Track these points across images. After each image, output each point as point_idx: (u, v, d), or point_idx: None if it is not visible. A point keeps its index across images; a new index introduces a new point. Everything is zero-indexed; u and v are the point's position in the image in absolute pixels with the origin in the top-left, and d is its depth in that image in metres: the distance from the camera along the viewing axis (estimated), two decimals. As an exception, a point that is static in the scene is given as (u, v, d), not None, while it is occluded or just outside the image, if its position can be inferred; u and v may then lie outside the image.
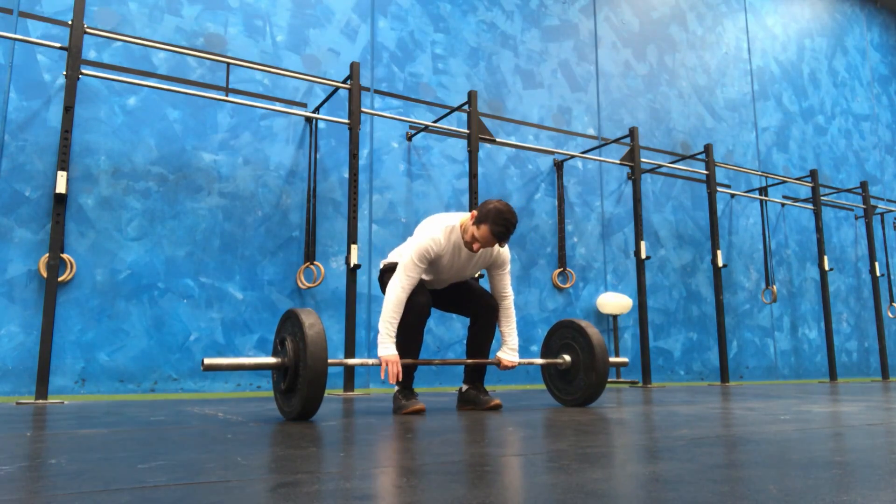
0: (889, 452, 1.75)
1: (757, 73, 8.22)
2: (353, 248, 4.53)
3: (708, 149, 6.67)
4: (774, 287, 7.50)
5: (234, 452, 1.69)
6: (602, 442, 1.99)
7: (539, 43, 6.53)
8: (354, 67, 4.72)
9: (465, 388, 3.23)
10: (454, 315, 5.42)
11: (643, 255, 5.94)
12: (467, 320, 3.33)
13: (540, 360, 3.48)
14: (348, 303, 4.50)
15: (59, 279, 4.02)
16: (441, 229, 2.98)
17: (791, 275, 7.91)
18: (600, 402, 3.61)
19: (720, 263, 6.46)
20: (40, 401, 3.48)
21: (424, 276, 3.08)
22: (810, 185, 7.67)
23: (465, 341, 5.41)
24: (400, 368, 2.84)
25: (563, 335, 3.45)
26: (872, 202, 8.36)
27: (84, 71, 3.97)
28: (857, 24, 9.61)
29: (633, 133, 6.19)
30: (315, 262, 4.88)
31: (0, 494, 1.17)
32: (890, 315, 8.50)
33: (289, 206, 4.95)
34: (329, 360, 2.61)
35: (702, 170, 6.80)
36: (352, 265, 4.51)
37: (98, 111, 4.38)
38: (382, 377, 2.83)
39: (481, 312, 3.18)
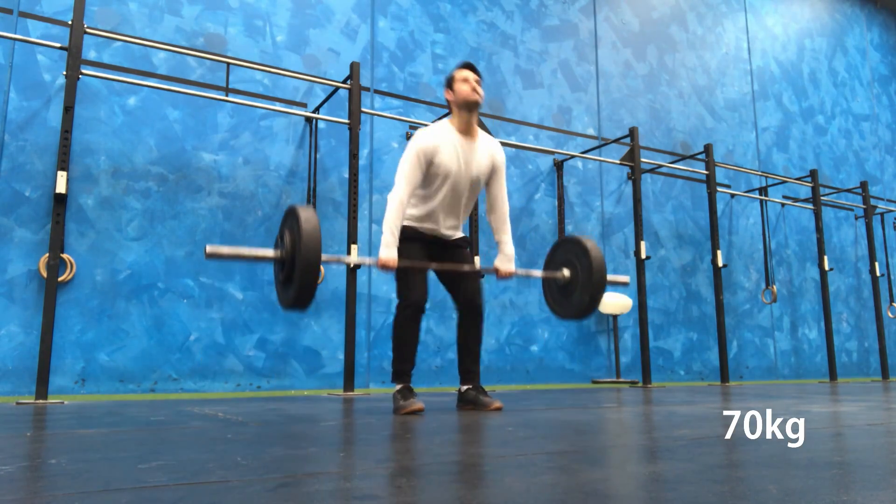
0: (889, 452, 1.75)
1: (757, 73, 8.22)
2: (353, 248, 4.53)
3: (708, 149, 6.67)
4: (774, 287, 7.50)
5: (234, 452, 1.69)
6: (602, 442, 2.00)
7: (539, 43, 6.53)
8: (354, 67, 4.72)
9: (464, 388, 3.23)
10: (454, 315, 5.42)
11: (643, 255, 5.94)
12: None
13: (539, 273, 3.49)
14: (348, 303, 4.50)
15: (59, 279, 4.02)
16: (429, 127, 3.04)
17: (791, 275, 7.90)
18: (600, 402, 3.61)
19: (720, 263, 6.46)
20: (40, 401, 3.48)
21: (431, 200, 3.00)
22: (810, 185, 7.67)
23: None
24: (394, 269, 2.85)
25: (568, 250, 3.38)
26: (872, 202, 8.36)
27: (84, 71, 3.97)
28: (857, 24, 9.61)
29: (633, 133, 6.19)
30: (315, 262, 4.88)
31: (0, 494, 1.17)
32: (890, 315, 8.50)
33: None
34: (324, 256, 2.67)
35: (702, 170, 6.80)
36: (352, 265, 4.51)
37: (98, 111, 4.38)
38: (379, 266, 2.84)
39: (467, 310, 3.13)
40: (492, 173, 3.12)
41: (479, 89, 2.98)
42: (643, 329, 5.85)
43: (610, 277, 3.44)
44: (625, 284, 3.67)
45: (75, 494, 1.17)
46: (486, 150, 3.08)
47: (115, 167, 4.38)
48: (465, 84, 2.95)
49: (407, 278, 3.00)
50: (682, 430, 2.25)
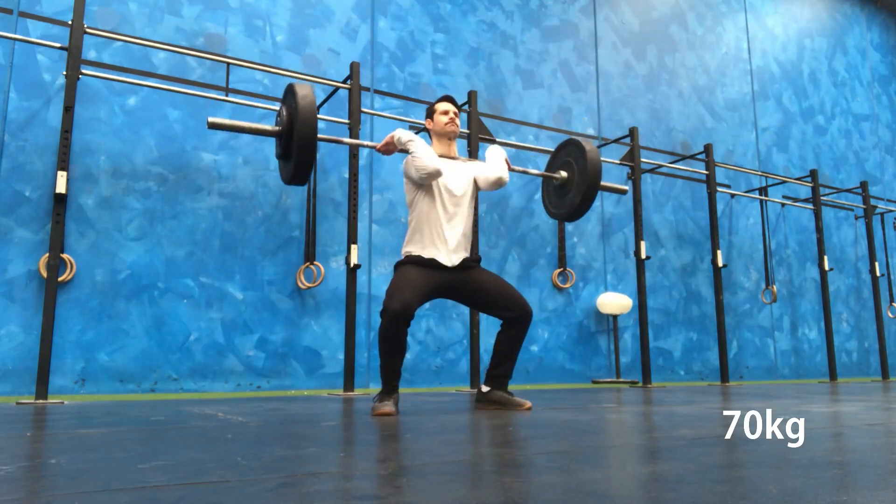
0: (889, 452, 1.75)
1: (757, 73, 8.22)
2: (353, 248, 4.53)
3: (708, 149, 6.67)
4: (774, 287, 7.50)
5: (234, 452, 1.69)
6: (602, 442, 2.00)
7: (539, 43, 6.53)
8: (354, 67, 4.72)
9: (486, 388, 3.15)
10: (454, 315, 5.42)
11: (643, 255, 5.94)
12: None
13: (535, 172, 3.58)
14: (348, 303, 4.50)
15: (59, 279, 4.02)
16: None
17: (791, 275, 7.90)
18: (600, 402, 3.61)
19: (720, 263, 6.46)
20: (40, 401, 3.48)
21: (429, 219, 3.02)
22: (810, 185, 7.67)
23: (465, 341, 5.41)
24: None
25: (569, 152, 3.44)
26: (872, 202, 8.36)
27: (84, 71, 3.97)
28: (857, 24, 9.61)
29: (633, 133, 6.19)
30: (315, 262, 4.88)
31: (0, 494, 1.17)
32: (890, 315, 8.50)
33: (289, 206, 4.95)
34: (320, 137, 2.78)
35: (702, 170, 6.80)
36: (352, 265, 4.51)
37: (98, 111, 4.38)
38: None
39: (519, 319, 3.03)
40: (475, 180, 3.22)
41: (457, 121, 3.20)
42: (643, 329, 5.85)
43: (606, 184, 3.53)
44: (623, 192, 3.76)
45: (75, 494, 1.17)
46: (468, 167, 3.22)
47: (115, 167, 4.38)
48: (445, 115, 3.18)
49: (396, 283, 2.85)
50: (682, 430, 2.25)
